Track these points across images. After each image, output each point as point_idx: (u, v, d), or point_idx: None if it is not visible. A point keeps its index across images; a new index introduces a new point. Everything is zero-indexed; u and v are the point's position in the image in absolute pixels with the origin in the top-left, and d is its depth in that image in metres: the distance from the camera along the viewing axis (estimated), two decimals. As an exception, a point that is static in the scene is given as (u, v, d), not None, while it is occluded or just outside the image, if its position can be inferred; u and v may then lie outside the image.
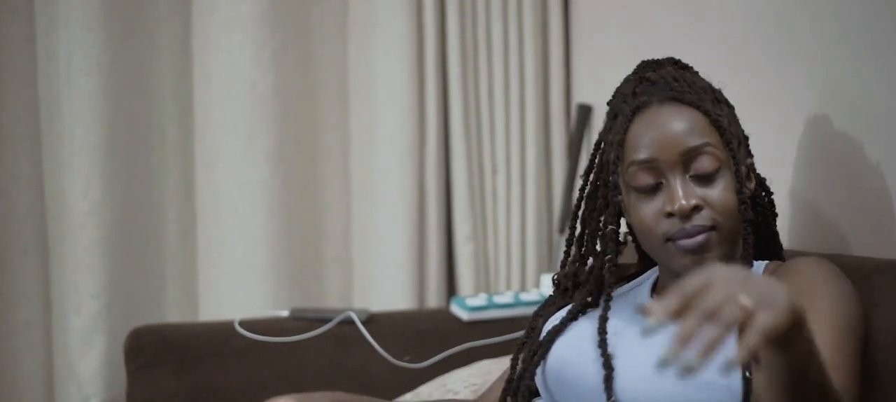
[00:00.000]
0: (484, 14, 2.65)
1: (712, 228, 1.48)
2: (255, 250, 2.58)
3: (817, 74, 1.79)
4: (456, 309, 2.41)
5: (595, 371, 1.48)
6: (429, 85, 2.63)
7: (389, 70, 2.61)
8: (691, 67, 1.60)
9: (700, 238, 1.48)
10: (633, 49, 2.40)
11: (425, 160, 2.65)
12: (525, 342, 1.64)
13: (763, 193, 1.64)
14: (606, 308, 1.54)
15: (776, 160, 1.74)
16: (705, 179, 1.49)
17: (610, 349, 1.48)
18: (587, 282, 1.62)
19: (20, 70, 2.54)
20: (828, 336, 1.37)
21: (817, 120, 1.76)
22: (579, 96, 2.65)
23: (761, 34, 1.94)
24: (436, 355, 2.26)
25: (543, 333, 1.60)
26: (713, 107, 1.52)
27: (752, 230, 1.51)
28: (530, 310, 2.36)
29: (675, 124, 1.50)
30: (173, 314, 2.63)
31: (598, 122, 2.56)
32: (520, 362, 1.61)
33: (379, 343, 2.23)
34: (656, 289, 1.61)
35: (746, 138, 1.59)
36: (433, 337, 2.31)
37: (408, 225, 2.63)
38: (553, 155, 2.70)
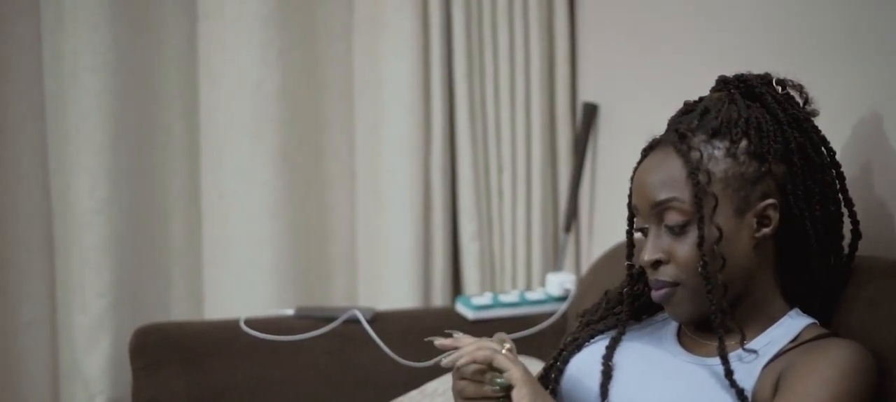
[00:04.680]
0: (489, 13, 2.64)
1: (675, 283, 1.47)
2: (261, 248, 2.59)
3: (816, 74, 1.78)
4: (461, 308, 2.40)
5: (596, 383, 1.51)
6: (434, 84, 2.63)
7: (395, 69, 2.61)
8: (763, 85, 1.52)
9: (660, 293, 1.49)
10: (639, 47, 2.41)
11: (431, 159, 2.65)
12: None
13: (811, 237, 1.48)
14: (618, 334, 1.56)
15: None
16: (676, 232, 1.46)
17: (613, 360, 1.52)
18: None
19: (26, 69, 2.55)
20: None
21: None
22: (585, 95, 2.64)
23: (762, 33, 1.94)
24: (441, 353, 2.25)
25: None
26: (704, 155, 1.45)
27: (728, 287, 1.45)
28: (536, 309, 2.39)
29: (651, 176, 1.49)
30: (179, 313, 2.63)
31: (603, 120, 2.57)
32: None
33: (384, 342, 2.23)
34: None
35: (779, 177, 1.47)
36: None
37: (413, 224, 2.63)
38: (559, 154, 2.70)
